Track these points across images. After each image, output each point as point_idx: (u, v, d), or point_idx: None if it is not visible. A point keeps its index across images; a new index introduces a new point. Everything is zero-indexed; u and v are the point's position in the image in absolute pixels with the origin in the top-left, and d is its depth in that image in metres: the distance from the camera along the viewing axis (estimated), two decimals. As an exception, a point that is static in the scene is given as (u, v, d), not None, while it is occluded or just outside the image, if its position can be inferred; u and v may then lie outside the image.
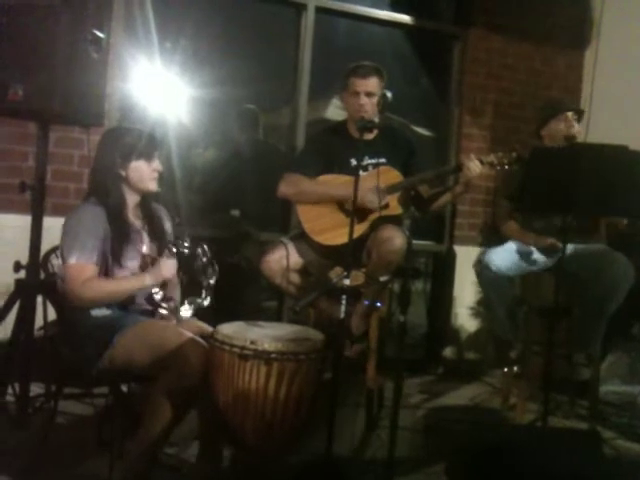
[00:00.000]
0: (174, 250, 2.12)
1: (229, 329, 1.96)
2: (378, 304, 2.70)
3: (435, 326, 3.84)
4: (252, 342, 1.85)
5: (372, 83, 2.78)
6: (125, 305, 2.11)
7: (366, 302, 2.67)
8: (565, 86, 4.05)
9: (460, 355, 3.73)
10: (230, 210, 3.77)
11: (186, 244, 2.15)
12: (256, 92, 3.71)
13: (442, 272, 3.85)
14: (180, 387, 1.90)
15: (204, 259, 2.16)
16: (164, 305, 2.15)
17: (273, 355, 1.84)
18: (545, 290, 2.88)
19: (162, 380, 1.91)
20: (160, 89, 3.28)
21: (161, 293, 2.14)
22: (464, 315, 3.81)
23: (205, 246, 2.18)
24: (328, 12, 3.62)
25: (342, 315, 2.07)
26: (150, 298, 2.14)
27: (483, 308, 3.71)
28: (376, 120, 2.72)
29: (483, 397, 3.19)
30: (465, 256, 3.75)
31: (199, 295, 2.17)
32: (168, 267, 2.10)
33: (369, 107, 2.76)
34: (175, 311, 2.16)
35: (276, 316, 3.45)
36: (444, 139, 3.96)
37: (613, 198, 2.37)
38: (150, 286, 2.10)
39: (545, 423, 2.34)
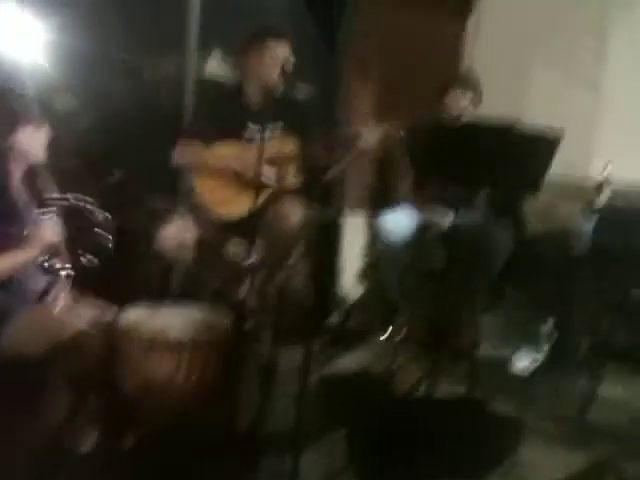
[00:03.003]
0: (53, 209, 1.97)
1: (134, 315, 1.87)
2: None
3: (321, 292, 3.90)
4: (161, 331, 1.79)
5: (287, 49, 2.70)
6: (10, 285, 1.94)
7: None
8: (447, 54, 4.13)
9: (346, 321, 3.82)
10: (111, 174, 3.54)
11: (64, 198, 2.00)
12: (136, 40, 3.46)
13: (329, 238, 3.90)
14: (77, 377, 1.81)
15: (100, 216, 2.01)
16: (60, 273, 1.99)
17: (183, 344, 1.79)
18: (433, 257, 3.02)
19: (58, 371, 1.81)
20: (21, 37, 2.95)
21: (52, 260, 1.98)
22: (350, 280, 3.89)
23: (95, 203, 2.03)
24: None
25: (243, 293, 2.06)
26: (41, 268, 1.98)
27: (370, 273, 3.82)
28: (285, 87, 2.66)
29: (370, 361, 3.31)
30: (352, 222, 3.80)
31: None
32: (49, 231, 1.94)
33: (280, 73, 2.69)
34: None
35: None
36: (336, 106, 3.95)
37: (500, 172, 2.52)
38: (35, 255, 1.93)
39: (430, 388, 2.48)
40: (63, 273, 1.99)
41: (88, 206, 2.06)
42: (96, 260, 2.03)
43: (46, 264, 1.97)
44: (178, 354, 1.78)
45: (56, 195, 2.01)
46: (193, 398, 1.85)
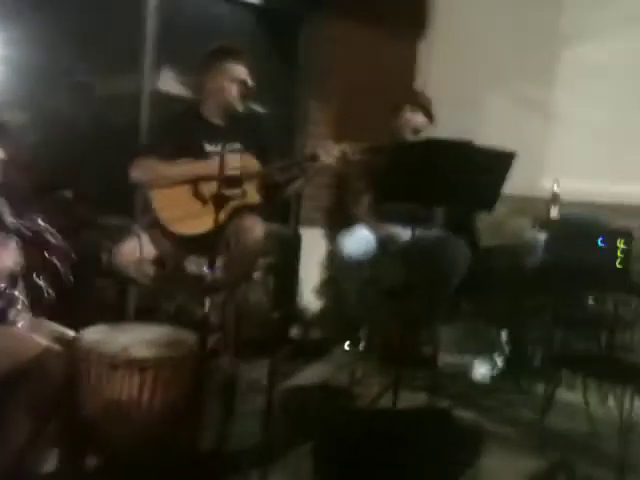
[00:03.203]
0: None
1: (94, 335, 1.83)
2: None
3: (281, 307, 3.90)
4: (123, 349, 1.75)
5: (244, 69, 2.71)
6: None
7: None
8: (401, 75, 4.24)
9: (306, 334, 3.84)
10: (61, 191, 3.46)
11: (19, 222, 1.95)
12: (89, 57, 3.41)
13: (288, 253, 3.91)
14: (39, 399, 1.75)
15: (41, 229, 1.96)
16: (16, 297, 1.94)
17: (147, 363, 1.76)
18: (392, 273, 3.06)
19: (19, 393, 1.75)
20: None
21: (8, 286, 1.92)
22: (309, 295, 3.91)
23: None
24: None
25: (206, 310, 2.04)
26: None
27: (328, 288, 3.85)
28: (243, 107, 2.67)
29: (331, 374, 3.32)
30: (310, 237, 3.83)
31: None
32: (7, 255, 1.89)
33: (239, 94, 2.70)
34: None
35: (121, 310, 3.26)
36: (292, 124, 3.98)
37: (457, 190, 2.58)
38: None
39: (394, 398, 2.51)
40: (20, 297, 1.94)
41: (42, 229, 2.01)
42: (51, 291, 1.98)
43: (2, 289, 1.92)
44: (141, 373, 1.75)
45: (10, 219, 1.96)
46: (157, 417, 1.82)
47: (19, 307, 1.92)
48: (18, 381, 1.74)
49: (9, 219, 2.01)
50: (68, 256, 2.02)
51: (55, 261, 2.00)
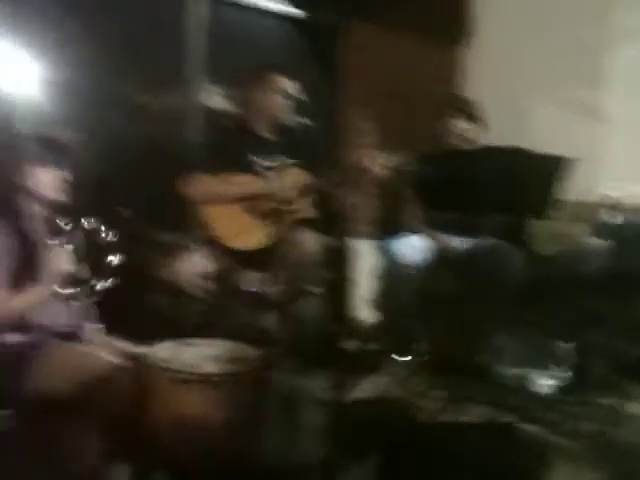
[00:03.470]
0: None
1: (162, 351, 1.86)
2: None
3: (335, 320, 3.88)
4: (191, 365, 1.77)
5: (291, 83, 2.74)
6: (32, 327, 1.92)
7: None
8: (444, 82, 4.19)
9: (361, 347, 3.81)
10: (117, 208, 3.53)
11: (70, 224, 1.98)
12: (137, 75, 3.48)
13: (340, 266, 3.90)
14: (108, 416, 1.78)
15: (102, 234, 1.97)
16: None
17: (214, 378, 1.77)
18: (446, 284, 3.03)
19: (89, 410, 1.78)
20: (21, 76, 2.94)
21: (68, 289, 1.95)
22: (363, 307, 3.89)
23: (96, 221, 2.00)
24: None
25: (265, 324, 2.06)
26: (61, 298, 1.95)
27: (382, 299, 3.82)
28: (290, 120, 2.69)
29: (388, 387, 3.29)
30: (362, 249, 3.81)
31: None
32: (58, 258, 1.92)
33: (287, 106, 2.72)
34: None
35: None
36: (337, 135, 3.98)
37: (510, 197, 2.54)
38: (49, 288, 1.91)
39: (457, 413, 2.47)
40: (84, 302, 1.96)
41: (96, 227, 2.02)
42: (109, 282, 1.97)
43: (63, 293, 1.94)
44: (208, 388, 1.77)
45: (65, 222, 1.99)
46: (222, 432, 1.83)
47: (84, 320, 1.96)
48: (88, 398, 1.77)
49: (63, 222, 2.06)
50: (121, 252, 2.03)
51: (111, 260, 2.01)
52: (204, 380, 1.75)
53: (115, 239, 2.00)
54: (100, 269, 1.95)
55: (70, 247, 1.93)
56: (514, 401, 2.91)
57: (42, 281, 1.90)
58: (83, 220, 1.98)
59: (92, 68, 3.15)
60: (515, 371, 3.12)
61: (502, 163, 2.48)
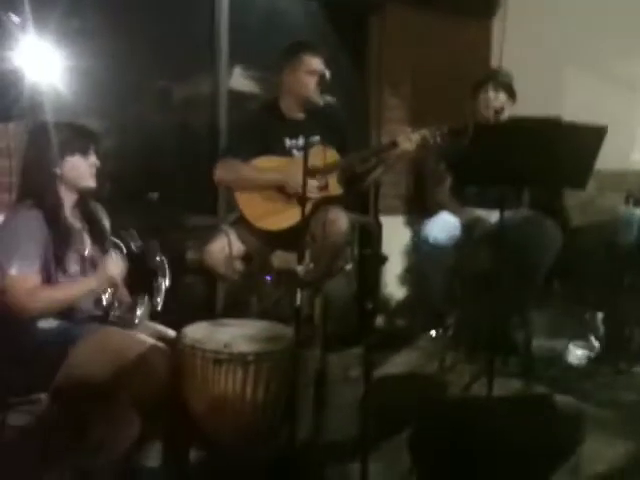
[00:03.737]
0: (121, 246, 2.02)
1: (197, 332, 1.89)
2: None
3: (366, 296, 3.90)
4: (226, 345, 1.80)
5: (321, 63, 2.73)
6: (70, 314, 1.98)
7: None
8: (475, 56, 4.13)
9: (391, 323, 3.83)
10: (147, 194, 3.58)
11: (134, 241, 2.05)
12: (165, 61, 3.49)
13: (370, 243, 3.90)
14: (145, 396, 1.83)
15: (157, 258, 2.06)
16: (115, 307, 2.05)
17: (249, 357, 1.80)
18: (479, 258, 3.00)
19: (127, 392, 1.83)
20: (52, 67, 2.98)
21: (110, 294, 2.03)
22: (392, 284, 3.90)
23: (157, 243, 2.08)
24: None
25: (298, 303, 2.07)
26: (99, 301, 2.03)
27: (411, 276, 3.82)
28: (321, 101, 2.68)
29: (419, 363, 3.30)
30: (390, 226, 3.81)
31: (150, 296, 2.08)
32: (114, 265, 1.99)
33: (318, 86, 2.72)
34: (128, 313, 2.05)
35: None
36: (364, 111, 3.97)
37: (546, 169, 2.50)
38: (97, 288, 1.98)
39: (490, 386, 2.47)
40: (116, 312, 2.04)
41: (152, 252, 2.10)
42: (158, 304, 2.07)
43: (105, 297, 2.02)
44: (244, 367, 1.80)
45: (126, 237, 2.07)
46: (258, 411, 1.86)
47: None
48: (126, 379, 1.82)
49: (108, 232, 2.13)
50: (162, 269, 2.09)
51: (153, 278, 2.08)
52: (239, 360, 1.79)
53: (165, 262, 2.06)
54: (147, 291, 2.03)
55: (120, 256, 2.00)
56: (548, 373, 2.91)
57: (89, 278, 1.97)
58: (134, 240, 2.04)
59: (121, 57, 3.19)
60: (548, 343, 3.10)
61: (537, 134, 2.44)
